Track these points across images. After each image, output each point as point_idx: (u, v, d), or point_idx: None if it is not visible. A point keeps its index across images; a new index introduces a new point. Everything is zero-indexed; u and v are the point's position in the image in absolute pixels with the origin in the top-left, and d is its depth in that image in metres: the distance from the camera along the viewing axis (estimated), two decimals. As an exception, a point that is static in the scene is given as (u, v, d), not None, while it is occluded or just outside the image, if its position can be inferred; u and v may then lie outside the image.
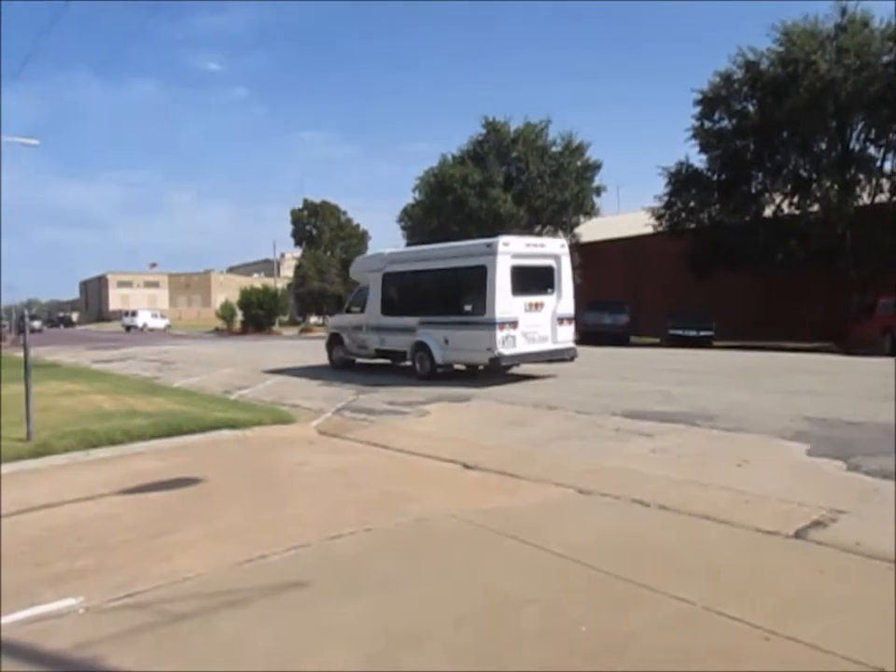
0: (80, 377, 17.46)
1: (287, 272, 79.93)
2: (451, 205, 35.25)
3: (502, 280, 13.73)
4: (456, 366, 15.24)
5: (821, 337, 24.98)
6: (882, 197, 26.62)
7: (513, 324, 13.76)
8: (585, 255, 36.47)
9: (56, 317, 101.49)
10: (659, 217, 31.53)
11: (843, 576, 4.27)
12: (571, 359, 14.87)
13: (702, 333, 26.85)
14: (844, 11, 26.03)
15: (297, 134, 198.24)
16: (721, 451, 7.65)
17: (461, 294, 14.78)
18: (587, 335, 29.48)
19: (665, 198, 31.14)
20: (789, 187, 28.30)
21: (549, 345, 14.51)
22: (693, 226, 30.50)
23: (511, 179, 35.95)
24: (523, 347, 13.97)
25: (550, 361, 14.84)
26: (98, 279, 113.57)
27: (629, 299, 32.44)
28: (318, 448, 8.86)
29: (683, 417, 9.44)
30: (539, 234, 37.38)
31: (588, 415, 9.95)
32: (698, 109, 29.49)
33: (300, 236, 73.42)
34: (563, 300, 14.76)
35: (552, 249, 15.24)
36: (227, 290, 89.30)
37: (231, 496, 6.58)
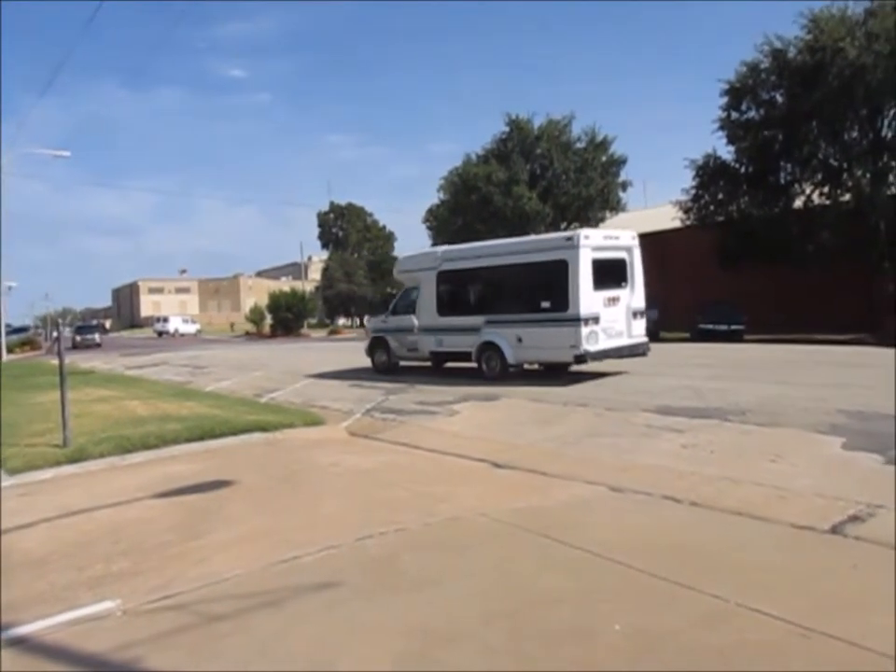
0: (115, 383, 17.78)
1: (315, 274, 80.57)
2: (476, 204, 35.22)
3: (585, 274, 13.19)
4: (526, 366, 14.74)
5: (855, 329, 24.53)
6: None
7: (596, 319, 13.30)
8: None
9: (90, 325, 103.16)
10: (686, 211, 31.15)
11: (881, 571, 4.17)
12: (644, 354, 14.44)
13: (732, 327, 26.51)
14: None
15: (322, 137, 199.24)
16: (754, 446, 7.56)
17: (537, 290, 14.13)
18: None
19: (693, 191, 30.73)
20: (819, 177, 27.79)
21: (626, 340, 14.09)
22: (721, 219, 30.08)
23: (536, 176, 35.81)
24: (604, 343, 13.48)
25: (627, 356, 14.24)
26: (130, 286, 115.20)
27: (657, 294, 32.11)
28: (349, 449, 8.91)
29: (715, 413, 9.34)
30: (566, 231, 37.26)
31: (618, 412, 9.89)
32: (725, 100, 29.10)
33: (326, 239, 74.14)
34: (636, 293, 14.38)
35: (625, 242, 14.65)
36: (256, 294, 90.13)
37: (263, 498, 6.65)
